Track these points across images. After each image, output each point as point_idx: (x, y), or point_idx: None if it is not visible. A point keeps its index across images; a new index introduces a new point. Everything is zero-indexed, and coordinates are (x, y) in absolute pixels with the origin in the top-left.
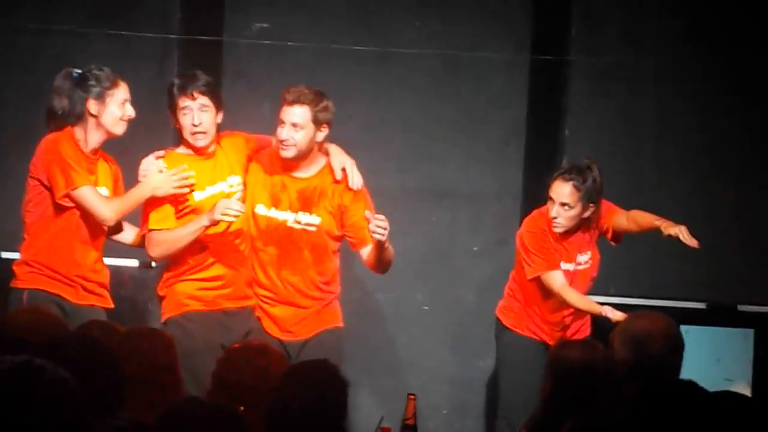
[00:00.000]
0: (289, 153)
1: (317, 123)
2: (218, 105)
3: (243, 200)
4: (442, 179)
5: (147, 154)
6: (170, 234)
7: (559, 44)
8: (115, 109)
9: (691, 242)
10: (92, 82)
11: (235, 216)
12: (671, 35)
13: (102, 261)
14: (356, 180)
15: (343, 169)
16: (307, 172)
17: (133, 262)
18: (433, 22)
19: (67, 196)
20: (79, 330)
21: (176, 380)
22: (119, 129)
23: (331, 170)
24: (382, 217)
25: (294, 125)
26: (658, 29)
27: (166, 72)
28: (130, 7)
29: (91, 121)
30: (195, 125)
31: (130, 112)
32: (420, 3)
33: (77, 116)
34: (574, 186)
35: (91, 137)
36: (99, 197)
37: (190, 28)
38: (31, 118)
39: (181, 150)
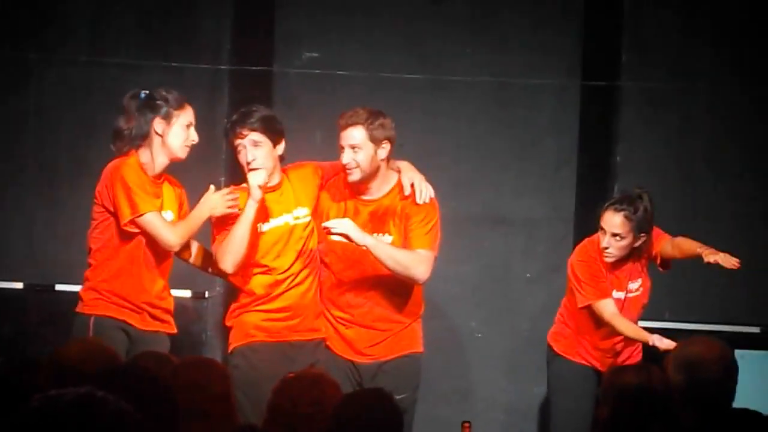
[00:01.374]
0: (354, 176)
1: (375, 141)
2: (274, 138)
3: (312, 230)
4: (495, 206)
5: (198, 185)
6: (228, 238)
7: (611, 70)
8: (179, 131)
9: (732, 263)
10: (160, 102)
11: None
12: (722, 63)
13: (168, 288)
14: (424, 195)
15: (412, 185)
16: (379, 192)
17: (186, 293)
18: (485, 49)
19: (133, 222)
20: (132, 361)
21: (230, 410)
22: (182, 152)
23: (401, 188)
24: (336, 221)
25: (352, 147)
26: (710, 56)
27: (217, 102)
28: (181, 39)
29: (156, 141)
30: (249, 162)
31: (194, 136)
32: (472, 31)
33: (143, 137)
34: (626, 216)
35: (156, 159)
36: (164, 223)
37: (241, 58)
38: (84, 150)
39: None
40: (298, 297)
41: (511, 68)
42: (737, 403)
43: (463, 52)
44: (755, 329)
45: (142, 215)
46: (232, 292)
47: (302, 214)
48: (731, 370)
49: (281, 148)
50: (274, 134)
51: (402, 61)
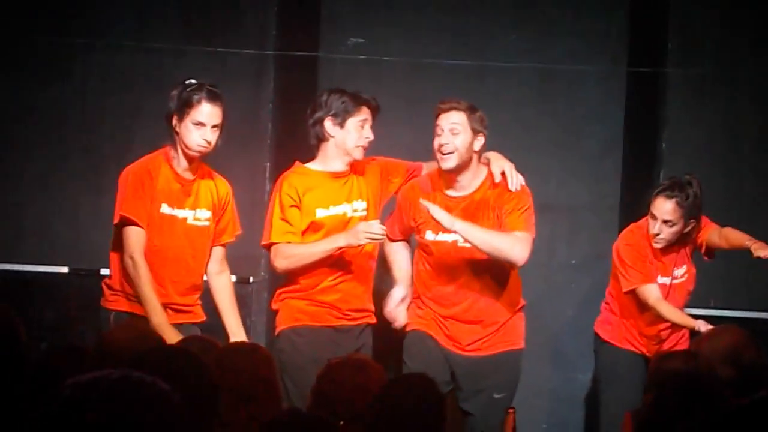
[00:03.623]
0: (450, 162)
1: (474, 130)
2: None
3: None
4: (540, 193)
5: (243, 170)
6: (300, 249)
7: (656, 56)
8: (190, 129)
9: None
10: (178, 97)
11: (379, 239)
12: (767, 49)
13: (195, 286)
14: (516, 182)
15: (503, 173)
16: (470, 187)
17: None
18: (530, 35)
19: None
20: (175, 344)
21: (275, 394)
22: (192, 151)
23: (492, 178)
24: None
25: (452, 131)
26: (756, 42)
27: (262, 88)
28: (226, 25)
29: (177, 138)
30: (369, 139)
31: (206, 136)
32: (516, 16)
33: (171, 129)
34: (677, 203)
35: (180, 155)
36: (137, 239)
37: (286, 44)
38: (128, 135)
39: (314, 165)
40: (345, 288)
41: (555, 55)
42: None
43: (507, 39)
44: None
45: (121, 219)
46: (277, 277)
47: (361, 207)
48: (762, 351)
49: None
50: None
51: (446, 48)
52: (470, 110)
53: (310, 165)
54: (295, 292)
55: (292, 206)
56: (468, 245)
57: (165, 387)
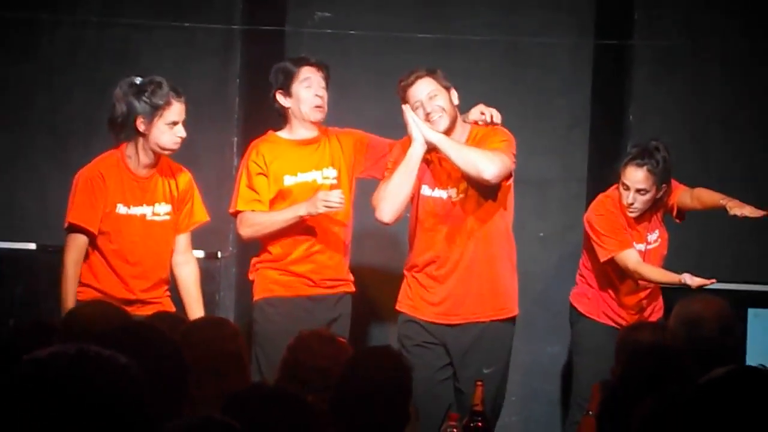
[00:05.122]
0: (441, 124)
1: (445, 87)
2: (328, 87)
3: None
4: None
5: (211, 145)
6: (263, 217)
7: (623, 28)
8: (163, 129)
9: (759, 213)
10: (145, 98)
11: (336, 208)
12: (735, 19)
13: (162, 280)
14: (495, 115)
15: (482, 112)
16: (460, 142)
17: (199, 253)
18: (497, 8)
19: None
20: (142, 321)
21: (243, 369)
22: (169, 148)
23: (476, 129)
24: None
25: (431, 97)
26: (722, 13)
27: (230, 63)
28: (193, 0)
29: (140, 138)
30: (319, 96)
31: (180, 133)
32: None
33: (130, 129)
34: (648, 170)
35: (142, 153)
36: (77, 246)
37: (253, 18)
38: (96, 111)
39: (283, 134)
40: (320, 259)
41: (523, 27)
42: (751, 361)
43: (476, 11)
44: None
45: (68, 226)
46: (245, 252)
47: (331, 175)
48: (729, 327)
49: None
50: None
51: (414, 21)
52: (431, 72)
53: (279, 133)
54: (268, 262)
55: (259, 174)
56: (461, 197)
57: (123, 361)
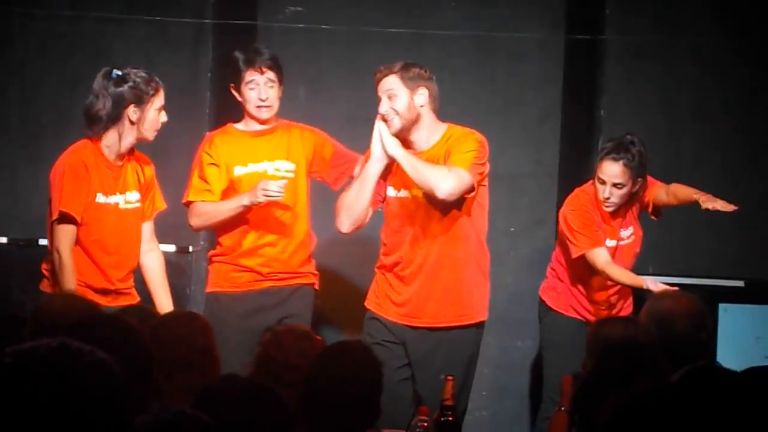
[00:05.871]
0: (395, 125)
1: (410, 87)
2: (281, 80)
3: (294, 190)
4: None
5: (182, 139)
6: (209, 207)
7: (594, 23)
8: (153, 116)
9: (730, 208)
10: (135, 88)
11: (275, 197)
12: (706, 14)
13: (133, 269)
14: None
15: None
16: (427, 144)
17: (170, 248)
18: (468, 3)
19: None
20: (112, 314)
21: (214, 363)
22: (152, 135)
23: (451, 135)
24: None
25: (389, 96)
26: (693, 8)
27: (201, 57)
28: None
29: (127, 125)
30: (262, 99)
31: (164, 118)
32: None
33: (114, 119)
34: (625, 164)
35: (123, 141)
36: (68, 234)
37: (225, 13)
38: (68, 104)
39: (239, 125)
40: (269, 253)
41: (494, 22)
42: (721, 357)
43: (447, 6)
44: (739, 283)
45: (56, 218)
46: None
47: (284, 167)
48: (700, 323)
49: (281, 91)
50: (281, 76)
51: (386, 16)
52: (403, 69)
53: (237, 125)
54: (220, 255)
55: (210, 164)
56: (423, 199)
57: (104, 356)
